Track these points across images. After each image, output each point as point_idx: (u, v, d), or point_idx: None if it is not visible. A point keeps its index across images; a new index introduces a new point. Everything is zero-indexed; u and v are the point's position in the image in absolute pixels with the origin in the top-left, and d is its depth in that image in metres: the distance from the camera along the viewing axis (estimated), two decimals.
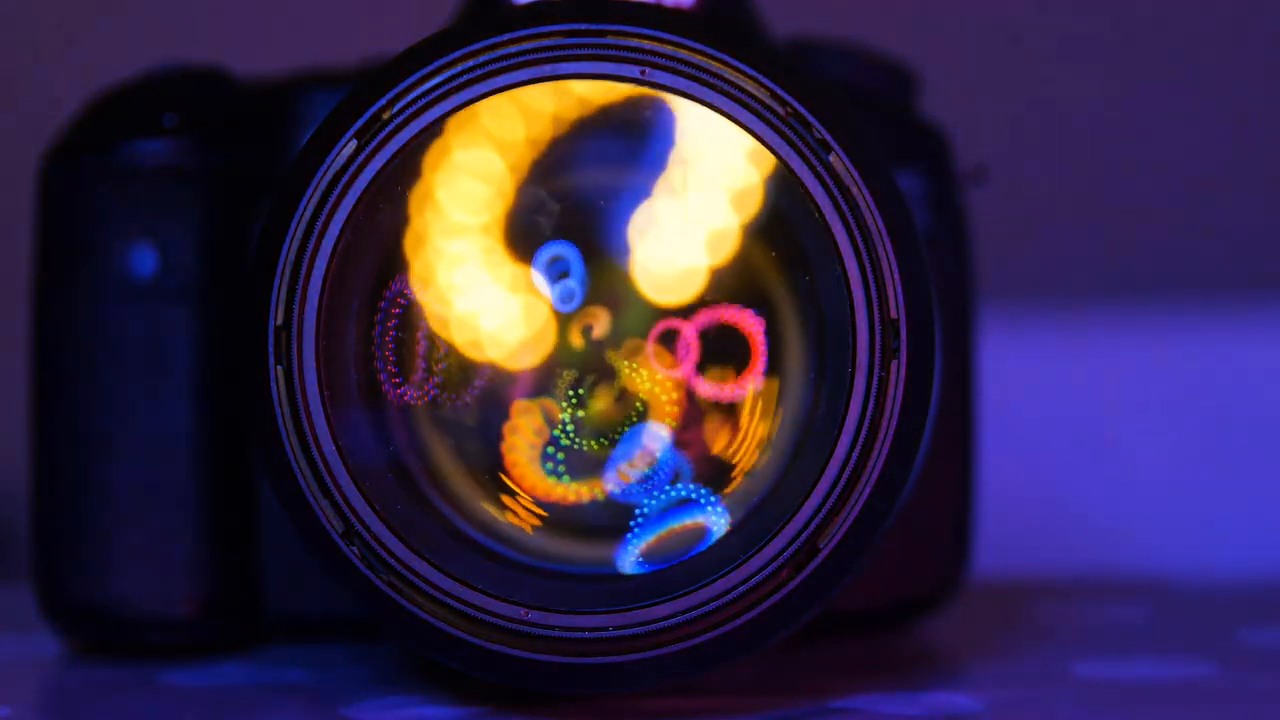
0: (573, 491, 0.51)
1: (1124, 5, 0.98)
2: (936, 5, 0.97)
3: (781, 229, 0.50)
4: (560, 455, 0.51)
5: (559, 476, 0.51)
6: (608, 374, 0.51)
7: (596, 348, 0.51)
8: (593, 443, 0.51)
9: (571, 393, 0.51)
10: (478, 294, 0.51)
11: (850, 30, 0.66)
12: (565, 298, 0.51)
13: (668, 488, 0.51)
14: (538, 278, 0.51)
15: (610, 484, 0.51)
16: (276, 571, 0.58)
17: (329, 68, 0.60)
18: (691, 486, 0.51)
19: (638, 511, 0.51)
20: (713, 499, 0.51)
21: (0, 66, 0.97)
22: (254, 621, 0.59)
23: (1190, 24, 0.97)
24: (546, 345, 0.51)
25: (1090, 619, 0.69)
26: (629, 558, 0.50)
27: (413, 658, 0.56)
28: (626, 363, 0.51)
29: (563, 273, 0.51)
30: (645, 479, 0.51)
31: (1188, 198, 0.97)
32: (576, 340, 0.51)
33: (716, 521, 0.50)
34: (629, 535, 0.50)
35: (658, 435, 0.51)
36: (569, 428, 0.51)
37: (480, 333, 0.51)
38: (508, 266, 0.51)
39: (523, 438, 0.51)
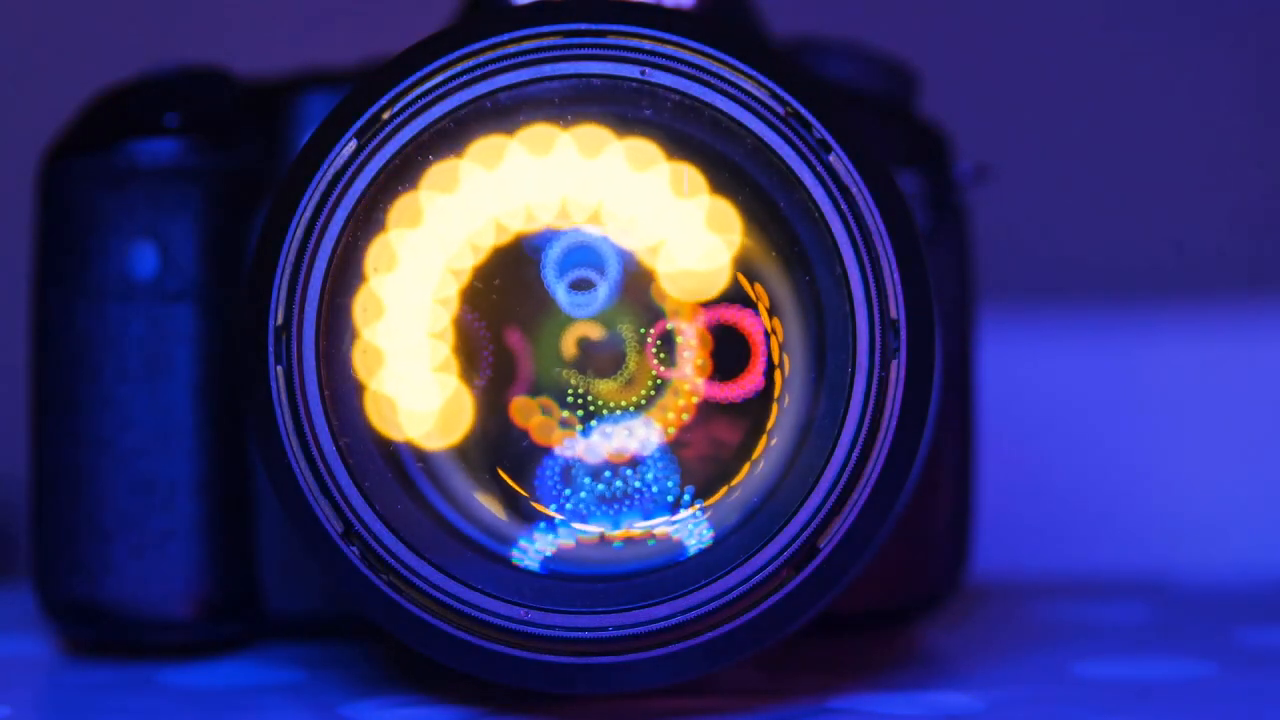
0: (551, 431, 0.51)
1: (1124, 5, 0.98)
2: (936, 5, 0.97)
3: (781, 229, 0.50)
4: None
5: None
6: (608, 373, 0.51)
7: (586, 360, 0.51)
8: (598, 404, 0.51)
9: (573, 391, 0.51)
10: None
11: (850, 30, 0.66)
12: (581, 304, 0.51)
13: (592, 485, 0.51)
14: (551, 279, 0.51)
15: (566, 450, 0.51)
16: (276, 571, 0.58)
17: (329, 68, 0.60)
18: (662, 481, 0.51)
19: (556, 507, 0.51)
20: (686, 500, 0.51)
21: (0, 66, 0.97)
22: (254, 621, 0.59)
23: (1192, 23, 0.97)
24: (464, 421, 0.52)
25: (1090, 619, 0.69)
26: (528, 553, 0.50)
27: (413, 658, 0.56)
28: (612, 380, 0.51)
29: (586, 283, 0.51)
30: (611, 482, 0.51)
31: (1189, 197, 0.97)
32: (571, 350, 0.51)
33: (685, 530, 0.50)
34: (533, 529, 0.50)
35: (646, 435, 0.51)
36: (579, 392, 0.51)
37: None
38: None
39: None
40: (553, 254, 0.51)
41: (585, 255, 0.51)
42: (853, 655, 0.59)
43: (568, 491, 0.51)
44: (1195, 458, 0.92)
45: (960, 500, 0.61)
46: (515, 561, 0.50)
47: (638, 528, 0.50)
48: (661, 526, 0.50)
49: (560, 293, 0.51)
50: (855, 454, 0.48)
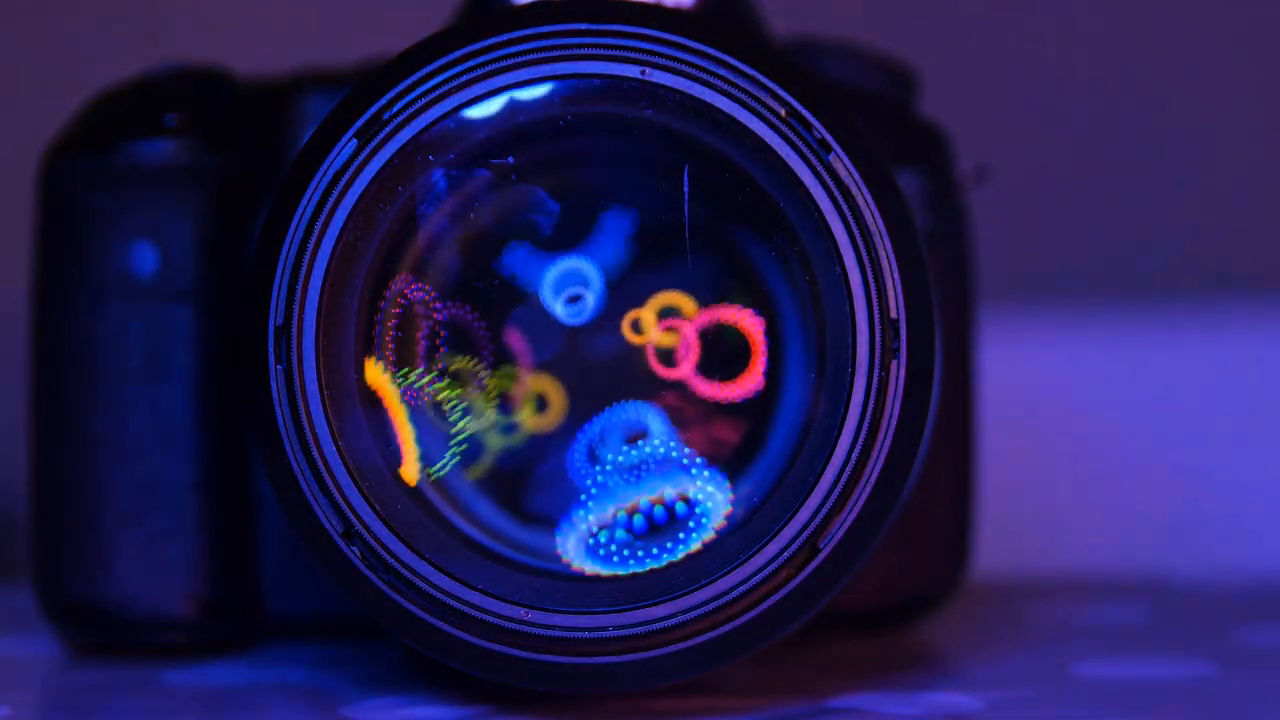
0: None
1: (1125, 5, 0.98)
2: (936, 5, 0.97)
3: (782, 229, 0.50)
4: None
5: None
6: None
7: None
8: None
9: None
10: None
11: (850, 30, 0.66)
12: (576, 313, 0.51)
13: (625, 449, 0.50)
14: (546, 292, 0.51)
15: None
16: (276, 571, 0.58)
17: (329, 68, 0.60)
18: (673, 445, 0.50)
19: (585, 486, 0.50)
20: (699, 461, 0.50)
21: (0, 66, 0.97)
22: (254, 621, 0.59)
23: (1191, 23, 0.97)
24: None
25: (1090, 619, 0.69)
26: (570, 541, 0.50)
27: (413, 658, 0.56)
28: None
29: (575, 296, 0.51)
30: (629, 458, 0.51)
31: (1188, 196, 0.97)
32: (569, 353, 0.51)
33: (706, 490, 0.50)
34: (571, 512, 0.50)
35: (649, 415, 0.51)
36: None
37: None
38: None
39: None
40: (550, 276, 0.51)
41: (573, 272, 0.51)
42: (853, 655, 0.59)
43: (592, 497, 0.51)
44: (1196, 457, 0.92)
45: (960, 500, 0.61)
46: (562, 557, 0.50)
47: (665, 491, 0.50)
48: (686, 488, 0.50)
49: (559, 308, 0.51)
50: (855, 454, 0.48)
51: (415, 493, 0.50)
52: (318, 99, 0.58)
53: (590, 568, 0.50)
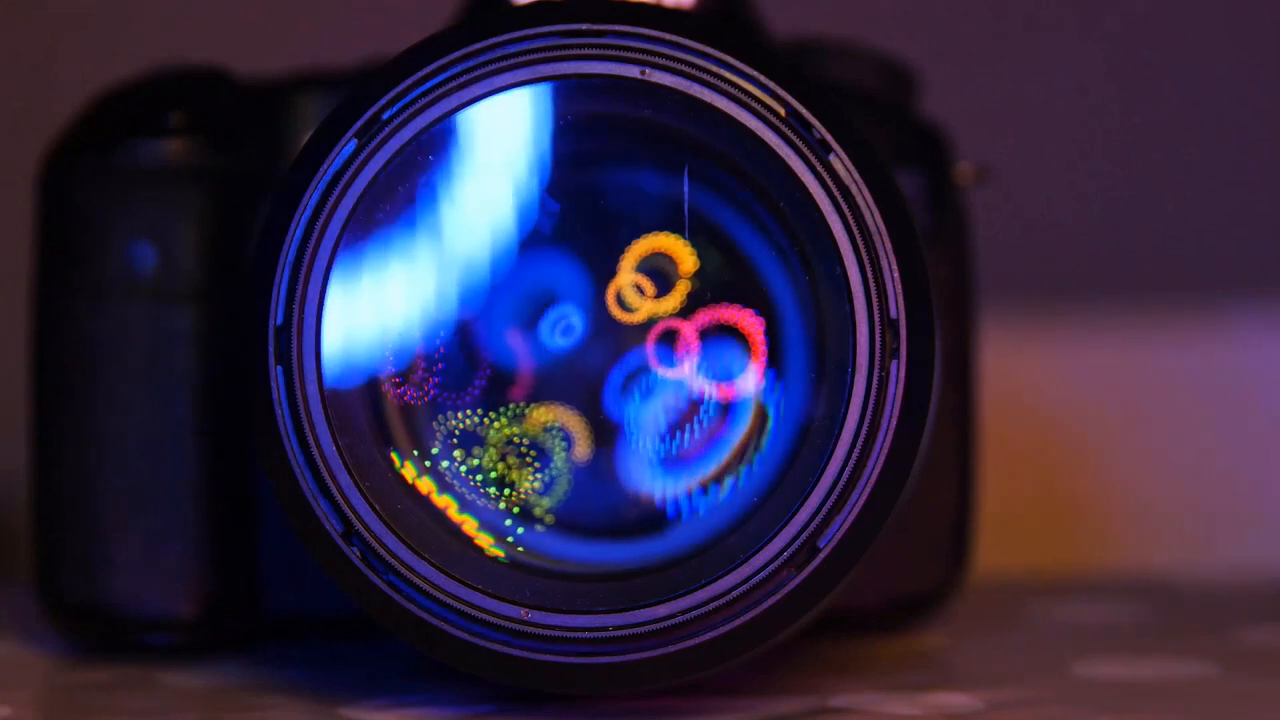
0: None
1: (1124, 5, 0.98)
2: (936, 5, 0.98)
3: (782, 229, 0.50)
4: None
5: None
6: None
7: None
8: None
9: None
10: None
11: (850, 30, 0.66)
12: (565, 334, 0.51)
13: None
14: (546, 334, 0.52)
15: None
16: (276, 571, 0.58)
17: (329, 68, 0.60)
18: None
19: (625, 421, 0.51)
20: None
21: (0, 66, 0.97)
22: (254, 621, 0.59)
23: (1191, 23, 0.97)
24: None
25: (1090, 619, 0.69)
26: (644, 457, 0.50)
27: (413, 658, 0.56)
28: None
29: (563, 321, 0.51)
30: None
31: (1187, 197, 0.97)
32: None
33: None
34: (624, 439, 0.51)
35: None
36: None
37: None
38: None
39: None
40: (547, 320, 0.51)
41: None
42: (853, 655, 0.59)
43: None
44: (1197, 457, 0.92)
45: (960, 500, 0.61)
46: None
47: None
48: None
49: (556, 341, 0.51)
50: (855, 454, 0.48)
51: (415, 493, 0.50)
52: (318, 99, 0.58)
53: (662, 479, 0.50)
